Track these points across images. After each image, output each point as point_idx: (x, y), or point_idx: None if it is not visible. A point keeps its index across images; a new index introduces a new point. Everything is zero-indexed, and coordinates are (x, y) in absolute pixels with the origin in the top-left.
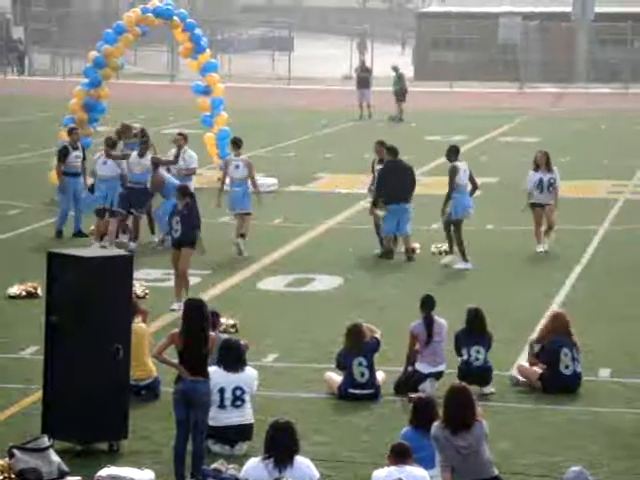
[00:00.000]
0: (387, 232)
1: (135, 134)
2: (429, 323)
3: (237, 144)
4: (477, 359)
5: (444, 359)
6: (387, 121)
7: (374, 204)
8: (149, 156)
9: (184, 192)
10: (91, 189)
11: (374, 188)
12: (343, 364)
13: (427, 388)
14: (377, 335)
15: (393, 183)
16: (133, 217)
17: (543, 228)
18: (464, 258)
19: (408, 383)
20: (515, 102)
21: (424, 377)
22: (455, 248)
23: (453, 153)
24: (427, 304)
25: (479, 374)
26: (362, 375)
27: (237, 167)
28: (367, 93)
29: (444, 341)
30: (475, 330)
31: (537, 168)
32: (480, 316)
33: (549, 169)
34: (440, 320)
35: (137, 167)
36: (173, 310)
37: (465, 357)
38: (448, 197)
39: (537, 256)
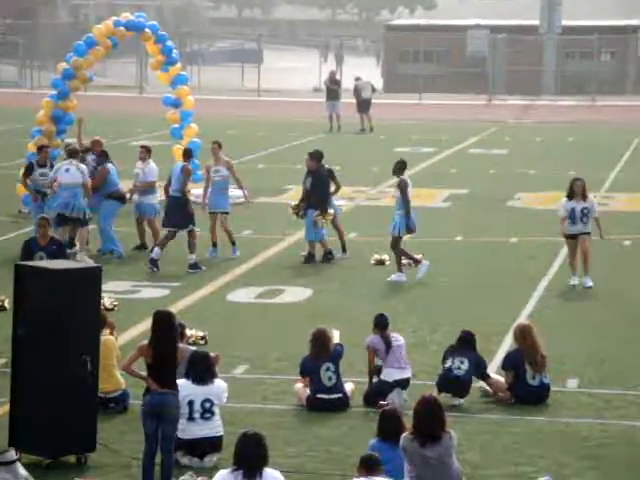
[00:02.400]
0: (311, 238)
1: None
2: (385, 337)
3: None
4: (459, 368)
5: (408, 364)
6: (357, 133)
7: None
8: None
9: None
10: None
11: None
12: (307, 370)
13: (395, 399)
14: (336, 339)
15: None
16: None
17: (578, 260)
18: (399, 269)
19: (376, 394)
20: (483, 114)
21: (391, 386)
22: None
23: (401, 168)
24: (381, 323)
25: (457, 384)
26: (330, 379)
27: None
28: (337, 105)
29: (403, 346)
30: (463, 347)
31: (571, 196)
32: (470, 338)
33: (584, 198)
34: (395, 334)
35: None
36: None
37: (448, 364)
38: (408, 211)
39: (505, 268)
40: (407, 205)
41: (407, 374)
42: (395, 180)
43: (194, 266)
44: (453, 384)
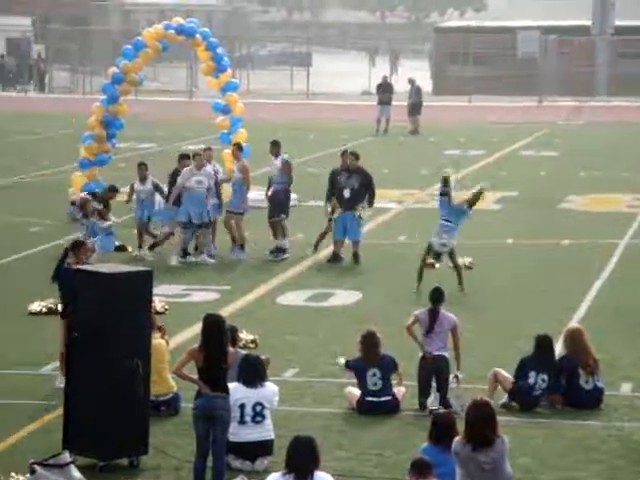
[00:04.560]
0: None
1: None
2: (434, 315)
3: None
4: (540, 388)
5: (444, 348)
6: (407, 135)
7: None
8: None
9: None
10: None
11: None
12: (356, 371)
13: (430, 402)
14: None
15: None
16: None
17: None
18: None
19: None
20: (534, 116)
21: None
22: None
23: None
24: (434, 297)
25: (534, 402)
26: (375, 385)
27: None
28: (388, 109)
29: (445, 333)
30: (544, 356)
31: None
32: (549, 343)
33: None
34: (448, 314)
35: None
36: None
37: (531, 382)
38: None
39: (558, 270)
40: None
41: (444, 353)
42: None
43: (279, 251)
44: (529, 402)
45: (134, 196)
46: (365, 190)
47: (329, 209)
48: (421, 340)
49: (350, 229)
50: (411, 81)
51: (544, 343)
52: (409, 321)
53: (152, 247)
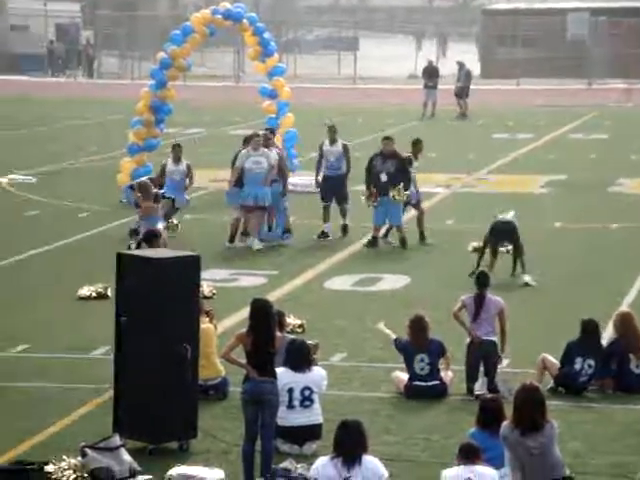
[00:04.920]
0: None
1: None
2: (480, 300)
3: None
4: (586, 374)
5: (492, 332)
6: (454, 119)
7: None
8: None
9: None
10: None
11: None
12: (404, 354)
13: (478, 387)
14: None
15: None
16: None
17: None
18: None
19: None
20: (583, 99)
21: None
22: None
23: None
24: (480, 281)
25: (581, 387)
26: (422, 369)
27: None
28: (434, 93)
29: (492, 318)
30: (590, 342)
31: None
32: (595, 327)
33: None
34: (495, 298)
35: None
36: None
37: (577, 367)
38: None
39: (605, 255)
40: None
41: (493, 337)
42: None
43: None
44: (576, 388)
45: (166, 178)
46: (401, 174)
47: (366, 195)
48: (469, 325)
49: (390, 214)
50: (460, 64)
51: (589, 328)
52: (455, 307)
53: (231, 240)
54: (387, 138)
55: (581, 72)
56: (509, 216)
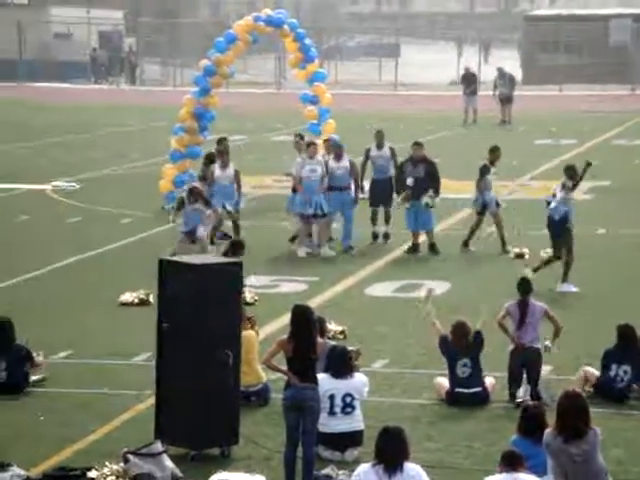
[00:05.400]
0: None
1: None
2: (523, 306)
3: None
4: (622, 380)
5: (537, 339)
6: (496, 125)
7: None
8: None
9: None
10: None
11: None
12: (447, 356)
13: (521, 393)
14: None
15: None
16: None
17: None
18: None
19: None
20: (627, 105)
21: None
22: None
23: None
24: (523, 288)
25: (619, 395)
26: (463, 373)
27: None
28: (474, 99)
29: (537, 323)
30: (626, 348)
31: None
32: (632, 333)
33: None
34: (537, 303)
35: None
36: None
37: (612, 373)
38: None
39: None
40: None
41: (537, 345)
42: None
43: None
44: (614, 395)
45: (214, 184)
46: (431, 179)
47: (399, 200)
48: (512, 332)
49: (421, 220)
50: (500, 71)
51: (625, 334)
52: (499, 314)
53: (293, 239)
54: (417, 143)
55: (624, 78)
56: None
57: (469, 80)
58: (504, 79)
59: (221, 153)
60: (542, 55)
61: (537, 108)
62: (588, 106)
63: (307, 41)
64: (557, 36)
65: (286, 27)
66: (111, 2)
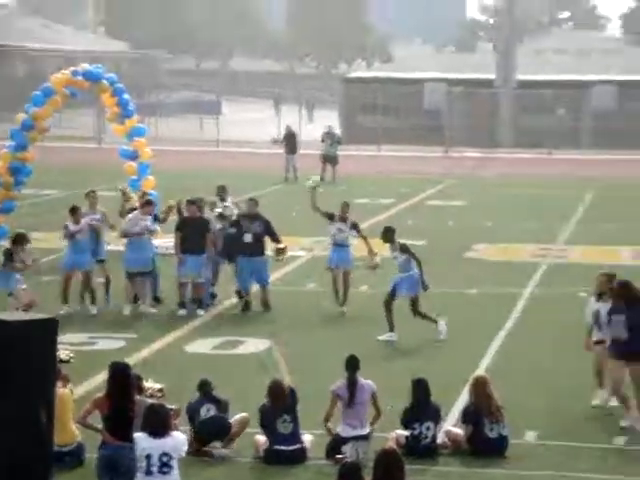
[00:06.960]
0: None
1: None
2: (352, 384)
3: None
4: (426, 437)
5: (365, 423)
6: (319, 184)
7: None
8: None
9: None
10: None
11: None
12: (266, 422)
13: (348, 451)
14: (286, 379)
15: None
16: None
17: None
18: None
19: (332, 448)
20: (441, 166)
21: (344, 441)
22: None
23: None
24: (351, 364)
25: (428, 451)
26: (286, 429)
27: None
28: (293, 158)
29: (367, 404)
30: (423, 405)
31: (599, 296)
32: (425, 386)
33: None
34: (365, 382)
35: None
36: None
37: (416, 432)
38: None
39: (463, 319)
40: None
41: (363, 432)
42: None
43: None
44: (423, 452)
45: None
46: (270, 233)
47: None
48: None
49: (257, 274)
50: (330, 131)
51: (419, 392)
52: (329, 405)
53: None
54: (251, 200)
55: (438, 140)
56: None
57: (290, 139)
58: (333, 139)
59: (89, 196)
60: (361, 116)
61: (357, 167)
62: (405, 167)
63: (125, 96)
64: (375, 98)
65: (104, 82)
66: None
